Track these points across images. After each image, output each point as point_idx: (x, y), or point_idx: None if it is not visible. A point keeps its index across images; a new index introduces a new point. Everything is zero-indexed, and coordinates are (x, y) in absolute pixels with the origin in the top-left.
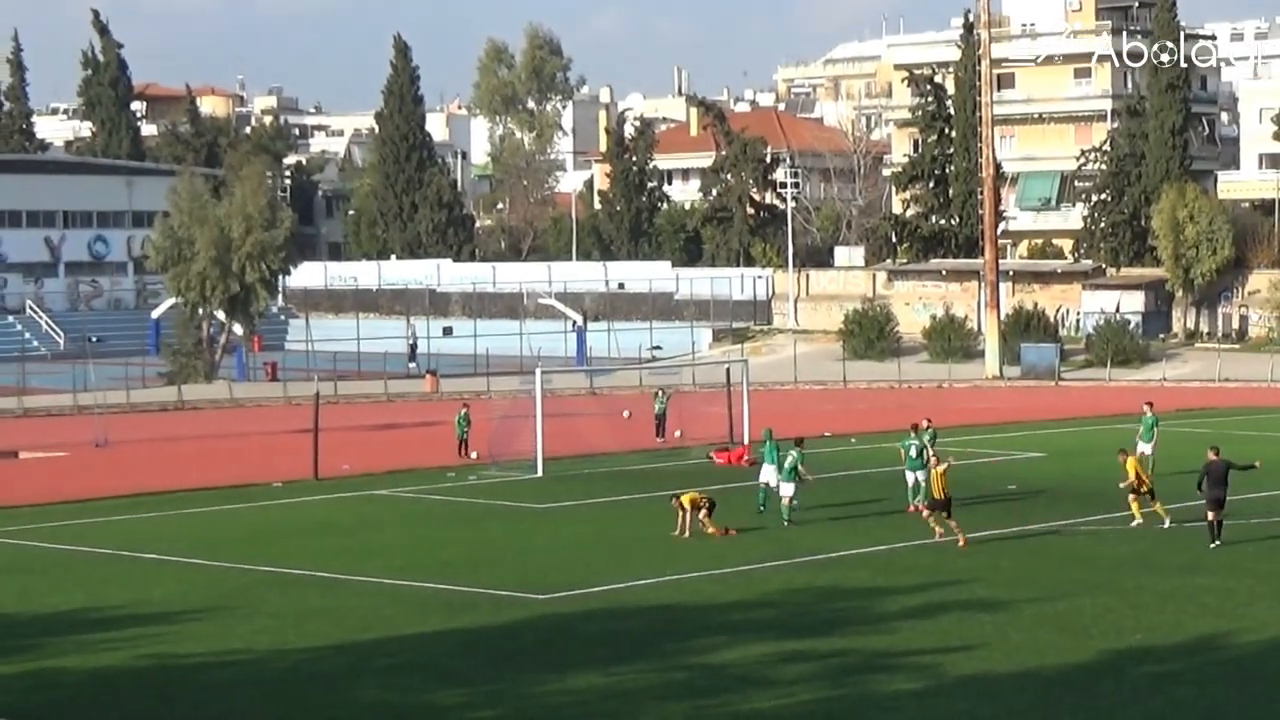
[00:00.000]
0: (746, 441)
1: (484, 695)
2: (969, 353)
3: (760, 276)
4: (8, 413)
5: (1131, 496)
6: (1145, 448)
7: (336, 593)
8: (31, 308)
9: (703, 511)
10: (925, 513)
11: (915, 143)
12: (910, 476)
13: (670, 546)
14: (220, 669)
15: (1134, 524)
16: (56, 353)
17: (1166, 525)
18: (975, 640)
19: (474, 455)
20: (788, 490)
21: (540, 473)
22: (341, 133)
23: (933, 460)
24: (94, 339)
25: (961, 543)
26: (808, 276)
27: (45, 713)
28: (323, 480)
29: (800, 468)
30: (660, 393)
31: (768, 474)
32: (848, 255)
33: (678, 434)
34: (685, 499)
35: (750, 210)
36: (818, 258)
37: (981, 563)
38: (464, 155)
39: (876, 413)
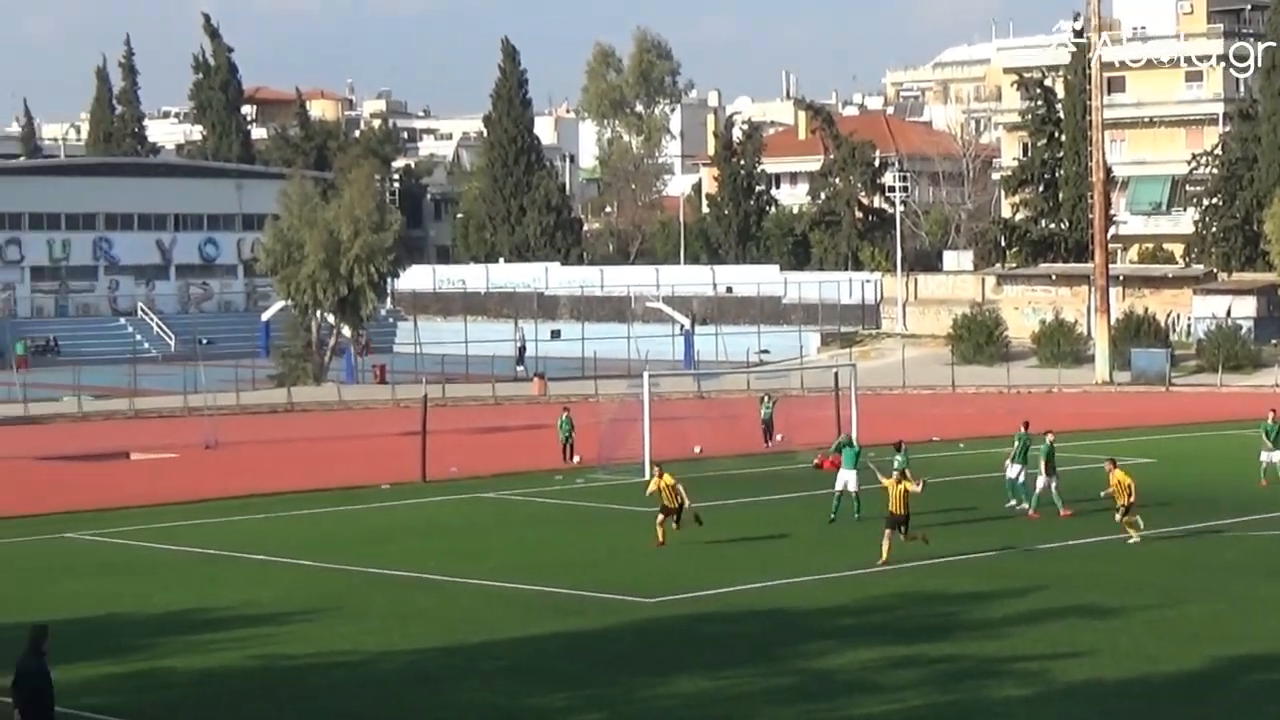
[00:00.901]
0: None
1: (591, 699)
2: (1078, 358)
3: (868, 280)
4: (119, 414)
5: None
6: (1272, 456)
7: (444, 595)
8: (143, 310)
9: (670, 517)
10: (887, 532)
11: (1025, 146)
12: (1040, 480)
13: (777, 550)
14: (327, 670)
15: (1131, 541)
16: (167, 354)
17: (1133, 540)
18: (1084, 646)
19: (577, 459)
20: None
21: (648, 476)
22: (450, 136)
23: (894, 477)
24: (204, 341)
25: (884, 558)
26: (916, 281)
27: (156, 713)
28: (430, 482)
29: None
30: (766, 398)
31: (844, 479)
32: (956, 259)
33: (778, 437)
34: (665, 484)
35: (858, 214)
36: (926, 262)
37: (1091, 568)
38: (572, 158)
39: (985, 418)
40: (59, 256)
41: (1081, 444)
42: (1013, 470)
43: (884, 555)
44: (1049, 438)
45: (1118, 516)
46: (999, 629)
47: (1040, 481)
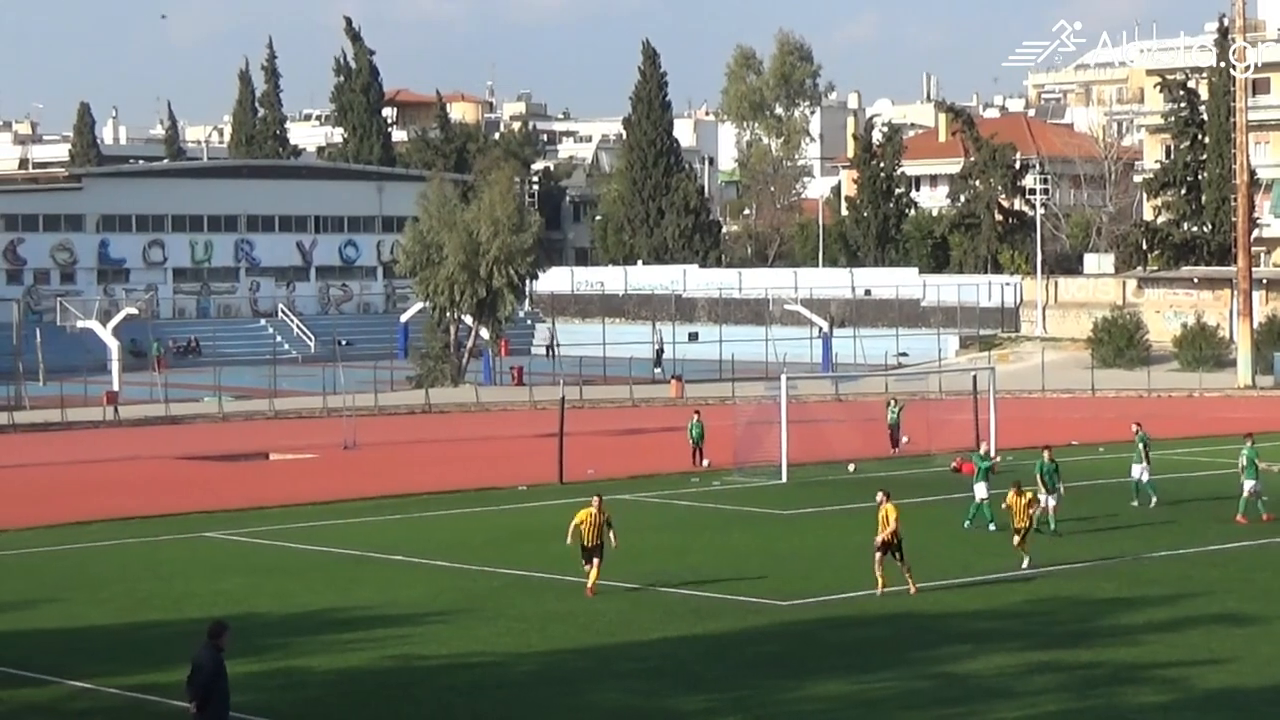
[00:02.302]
0: (994, 449)
1: (728, 702)
2: (1220, 361)
3: (1008, 283)
4: (259, 414)
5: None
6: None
7: (580, 597)
8: (283, 311)
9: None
10: (878, 555)
11: (1167, 149)
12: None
13: (917, 554)
14: (463, 671)
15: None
16: (307, 355)
17: (1024, 567)
18: (1224, 654)
19: (706, 463)
20: (1053, 501)
21: (785, 479)
22: (589, 139)
23: (880, 499)
24: (343, 342)
25: (912, 590)
26: (1056, 284)
27: (293, 711)
28: (567, 484)
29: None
30: (893, 402)
31: (981, 490)
32: (1097, 262)
33: (905, 440)
34: (588, 518)
35: (999, 217)
36: (1066, 265)
37: (1232, 575)
38: (711, 161)
39: (1125, 422)
40: (201, 258)
41: (1223, 448)
42: (1135, 470)
43: (879, 584)
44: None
45: (1015, 540)
46: (1137, 635)
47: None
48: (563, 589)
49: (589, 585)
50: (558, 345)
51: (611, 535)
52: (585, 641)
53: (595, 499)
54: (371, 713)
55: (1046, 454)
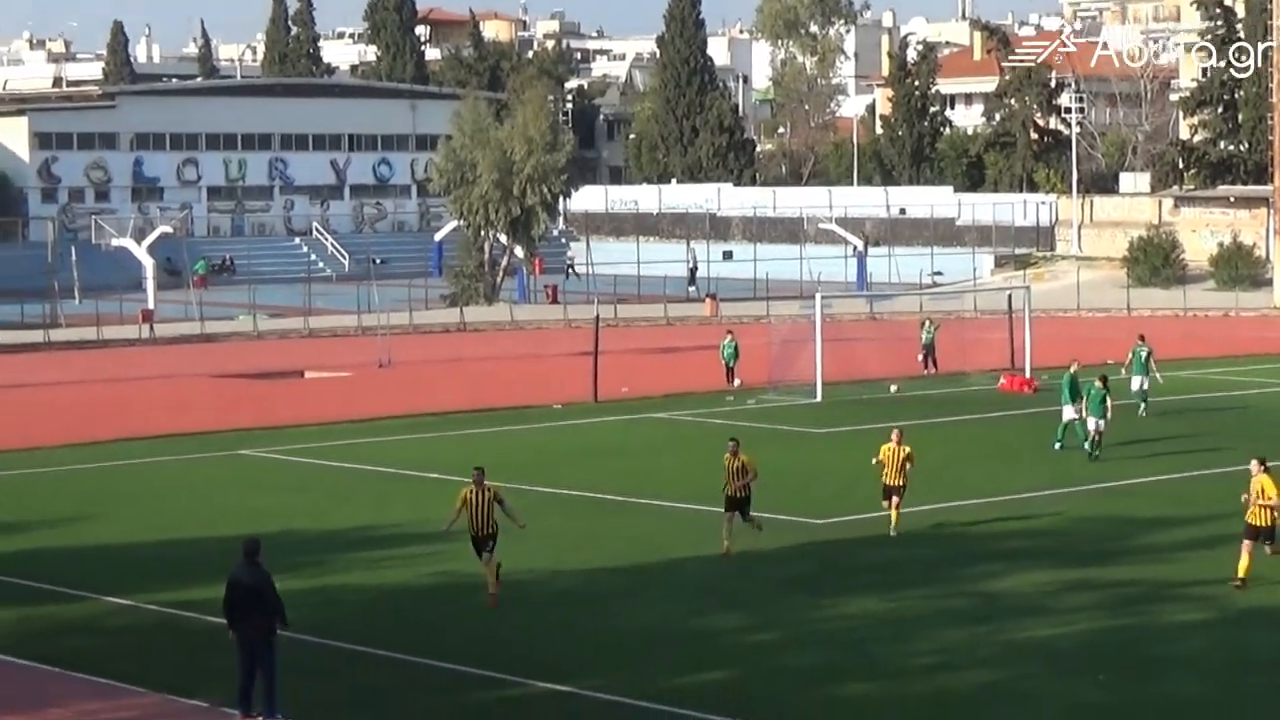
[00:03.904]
0: (1029, 368)
1: (761, 619)
2: (1256, 281)
3: (1043, 203)
4: (294, 333)
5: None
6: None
7: (615, 515)
8: (317, 230)
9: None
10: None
11: (1204, 67)
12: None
13: (951, 473)
14: (500, 590)
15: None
16: (341, 274)
17: (893, 533)
18: (1259, 573)
19: (738, 383)
20: (1096, 424)
21: (819, 398)
22: (623, 57)
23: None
24: (378, 261)
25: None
26: (1092, 203)
27: (329, 628)
28: (602, 403)
29: (1108, 401)
30: (928, 323)
31: (1068, 413)
32: (1133, 181)
33: (930, 371)
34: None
35: (1034, 136)
36: (1102, 184)
37: None
38: (745, 79)
39: (1161, 341)
40: (235, 177)
41: (1259, 368)
42: (1134, 382)
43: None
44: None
45: (885, 502)
46: (1173, 554)
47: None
48: (598, 507)
49: (490, 586)
50: (574, 266)
51: (509, 512)
52: (619, 560)
53: (475, 472)
54: (408, 631)
55: (1099, 382)
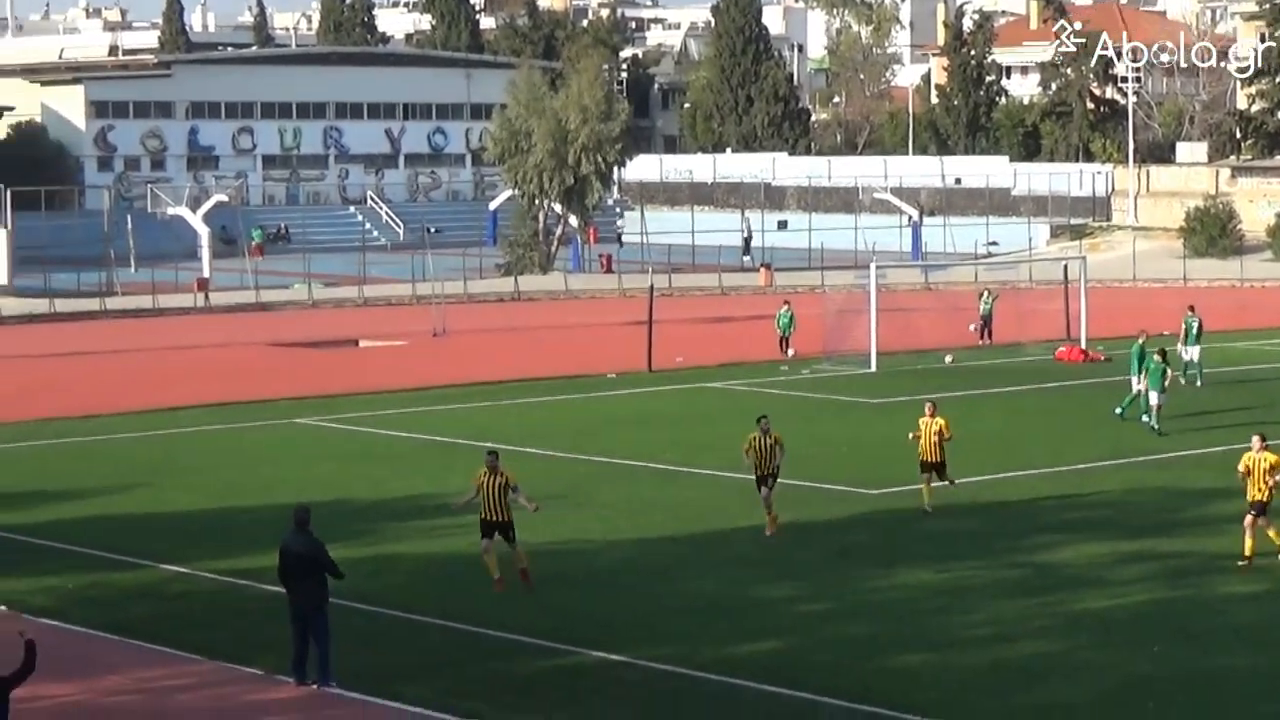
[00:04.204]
0: (1084, 338)
1: (815, 588)
2: None
3: (1099, 172)
4: (348, 301)
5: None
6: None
7: (670, 485)
8: (372, 199)
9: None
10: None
11: (1262, 36)
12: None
13: (1007, 444)
14: (554, 558)
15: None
16: (396, 243)
17: (928, 509)
18: None
19: (792, 353)
20: (1157, 399)
21: (874, 368)
22: (678, 26)
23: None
24: (432, 230)
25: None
26: (1148, 173)
27: (384, 597)
28: (656, 372)
29: (1167, 375)
30: (986, 293)
31: (1137, 383)
32: (1190, 151)
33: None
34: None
35: (1090, 105)
36: (1159, 154)
37: None
38: (800, 48)
39: (1217, 313)
40: (290, 145)
41: None
42: (1186, 354)
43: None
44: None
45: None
46: (1229, 525)
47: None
48: (653, 476)
49: (491, 572)
50: (622, 236)
51: (523, 500)
52: (674, 529)
53: (488, 456)
54: (462, 599)
55: (1157, 355)
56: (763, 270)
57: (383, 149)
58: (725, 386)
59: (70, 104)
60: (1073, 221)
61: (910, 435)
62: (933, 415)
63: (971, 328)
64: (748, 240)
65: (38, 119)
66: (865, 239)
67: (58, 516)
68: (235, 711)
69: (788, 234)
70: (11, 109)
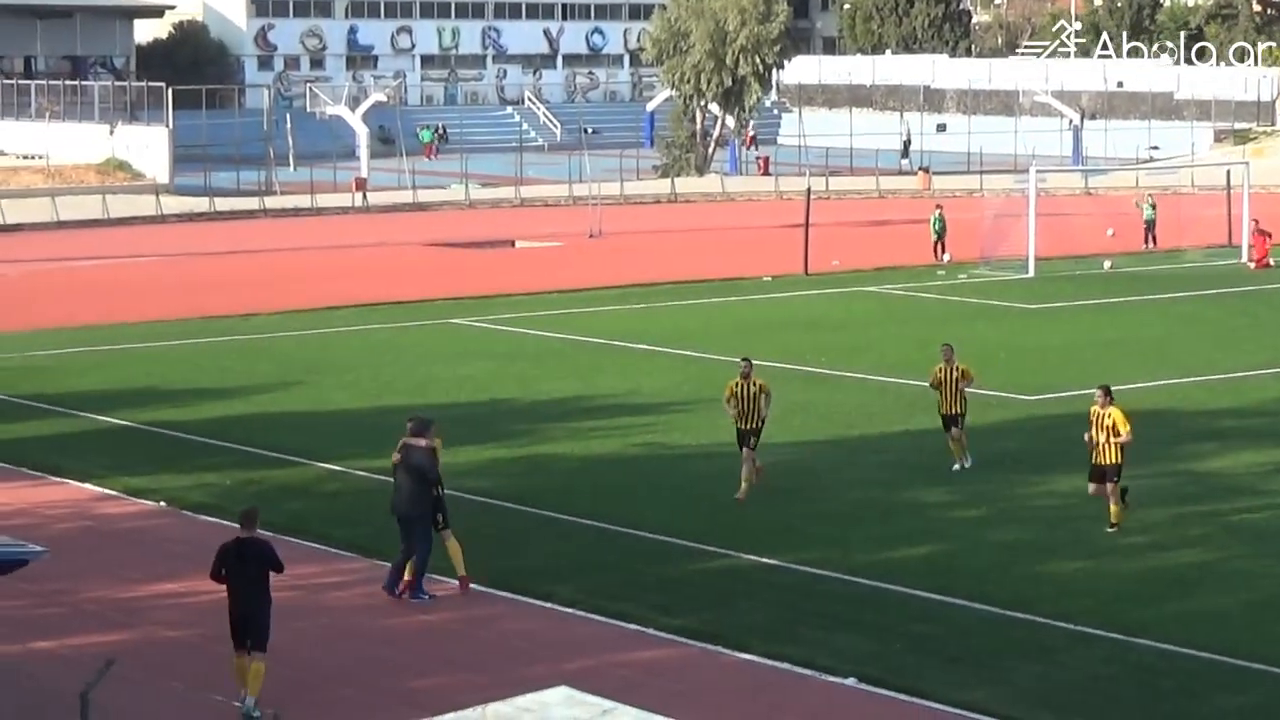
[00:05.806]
0: (1245, 246)
1: (968, 494)
2: None
3: (1265, 76)
4: (505, 202)
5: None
6: None
7: (825, 388)
8: (529, 99)
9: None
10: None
11: None
12: None
13: (1165, 351)
14: (707, 460)
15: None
16: (553, 144)
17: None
18: None
19: (947, 257)
20: None
21: (1031, 273)
22: None
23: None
24: (589, 130)
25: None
26: None
27: (539, 497)
28: (812, 275)
29: None
30: (1149, 198)
31: None
32: None
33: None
34: None
35: (1257, 7)
36: None
37: None
38: None
39: None
40: (448, 45)
41: None
42: None
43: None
44: None
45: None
46: None
47: None
48: (807, 379)
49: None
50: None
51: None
52: (827, 433)
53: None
54: (616, 499)
55: None
56: (921, 174)
57: (541, 49)
58: (881, 290)
59: (231, 3)
60: (1236, 126)
61: (929, 384)
62: (949, 360)
63: (1110, 233)
64: (907, 143)
65: (199, 18)
66: (1025, 143)
67: (216, 414)
68: (387, 608)
69: (947, 137)
70: (173, 7)
